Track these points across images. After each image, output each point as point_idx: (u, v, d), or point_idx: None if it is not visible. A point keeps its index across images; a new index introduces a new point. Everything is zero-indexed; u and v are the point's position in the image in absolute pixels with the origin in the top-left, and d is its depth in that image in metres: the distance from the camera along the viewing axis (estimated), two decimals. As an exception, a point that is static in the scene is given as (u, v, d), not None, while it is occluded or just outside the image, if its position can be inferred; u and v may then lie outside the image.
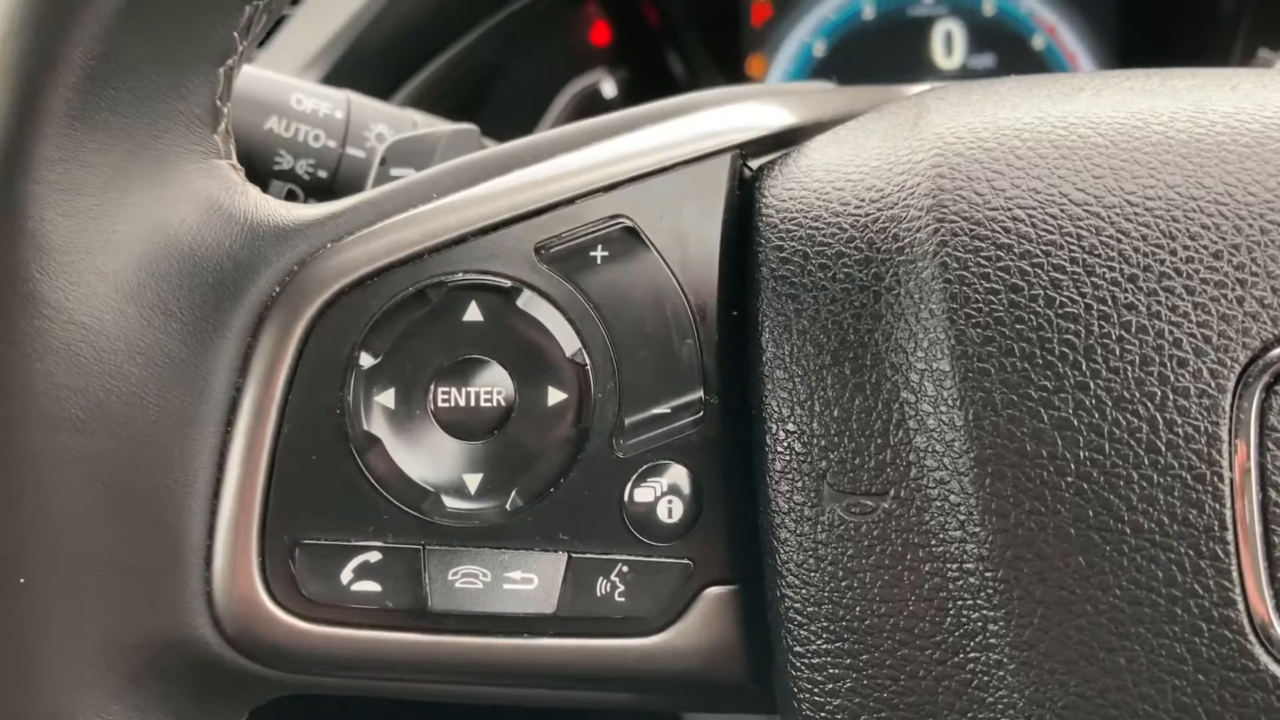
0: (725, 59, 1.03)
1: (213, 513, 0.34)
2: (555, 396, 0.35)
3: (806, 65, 1.04)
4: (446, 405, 0.35)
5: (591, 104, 1.02)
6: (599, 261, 0.35)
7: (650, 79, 1.03)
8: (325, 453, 0.34)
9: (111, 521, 0.33)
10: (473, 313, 0.35)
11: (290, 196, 0.50)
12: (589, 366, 0.35)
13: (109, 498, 0.33)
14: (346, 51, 0.78)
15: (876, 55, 1.04)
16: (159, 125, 0.34)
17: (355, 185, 0.50)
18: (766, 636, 0.35)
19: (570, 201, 0.36)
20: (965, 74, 1.03)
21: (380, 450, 0.34)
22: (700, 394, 0.35)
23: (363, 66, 0.78)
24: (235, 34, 0.35)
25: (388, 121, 0.52)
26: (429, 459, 0.35)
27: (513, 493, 0.35)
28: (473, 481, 0.35)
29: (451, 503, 0.35)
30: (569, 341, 0.35)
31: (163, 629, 0.34)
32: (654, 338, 0.35)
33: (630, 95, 1.03)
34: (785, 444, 0.34)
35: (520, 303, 0.35)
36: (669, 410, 0.35)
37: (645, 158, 0.36)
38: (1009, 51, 1.03)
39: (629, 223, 0.36)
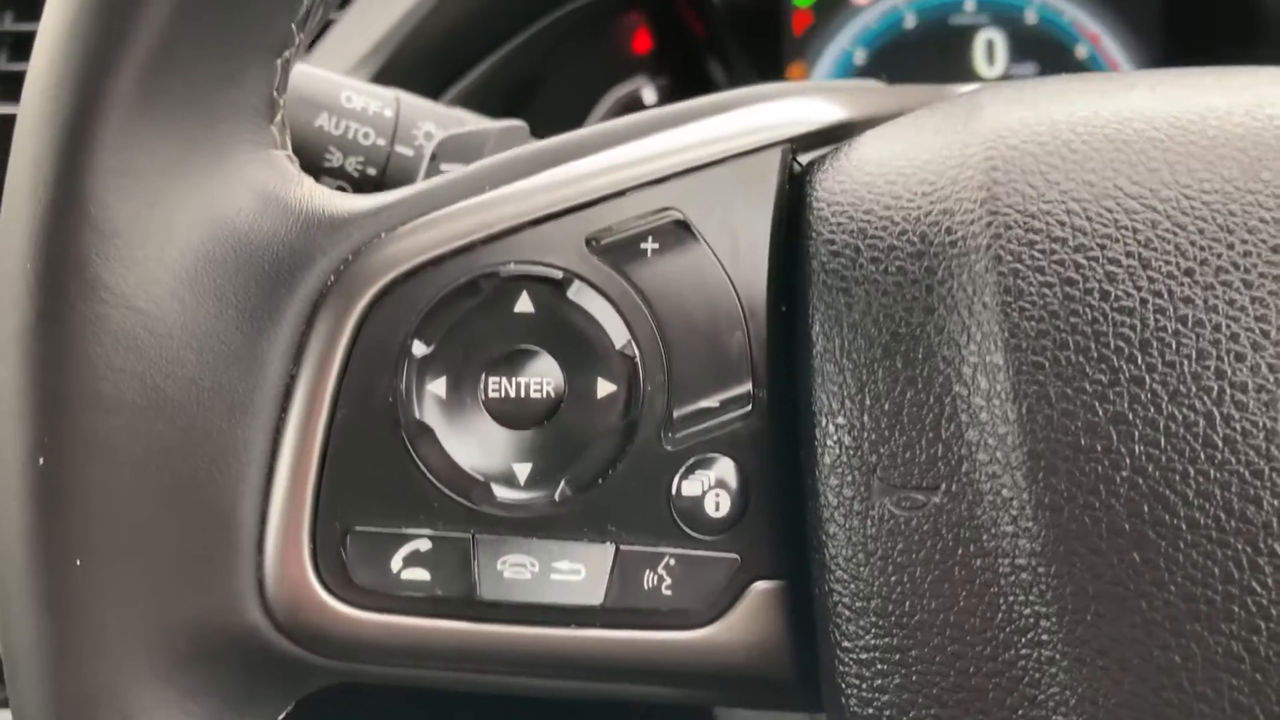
0: (766, 67, 1.03)
1: (265, 499, 0.34)
2: (605, 388, 0.35)
3: (847, 74, 1.04)
4: (497, 395, 0.35)
5: (632, 111, 1.02)
6: (649, 254, 0.36)
7: (691, 87, 1.03)
8: (377, 440, 0.34)
9: (165, 505, 0.33)
10: (524, 303, 0.35)
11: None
12: (638, 359, 0.35)
13: (164, 482, 0.33)
14: (392, 56, 0.78)
15: (918, 64, 1.04)
16: (217, 115, 0.34)
17: (404, 182, 0.50)
18: (813, 633, 0.35)
19: (621, 194, 0.36)
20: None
21: (431, 439, 0.35)
22: (749, 388, 0.35)
23: (408, 72, 0.79)
24: (293, 25, 0.35)
25: (436, 120, 0.52)
26: (479, 448, 0.35)
27: (561, 483, 0.35)
28: (522, 471, 0.35)
29: (501, 492, 0.35)
30: (619, 333, 0.35)
31: (213, 614, 0.34)
32: (703, 331, 0.35)
33: (670, 102, 1.03)
34: (835, 438, 0.34)
35: (571, 294, 0.35)
36: (717, 404, 0.35)
37: (696, 151, 0.36)
38: (1052, 60, 1.02)
39: (679, 215, 0.36)
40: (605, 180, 0.36)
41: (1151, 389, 0.31)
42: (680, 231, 0.36)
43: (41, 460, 0.32)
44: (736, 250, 0.36)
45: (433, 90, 0.84)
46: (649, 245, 0.36)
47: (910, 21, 1.04)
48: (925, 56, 1.04)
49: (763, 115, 0.38)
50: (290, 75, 0.37)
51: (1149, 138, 0.33)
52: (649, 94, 1.03)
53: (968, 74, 1.03)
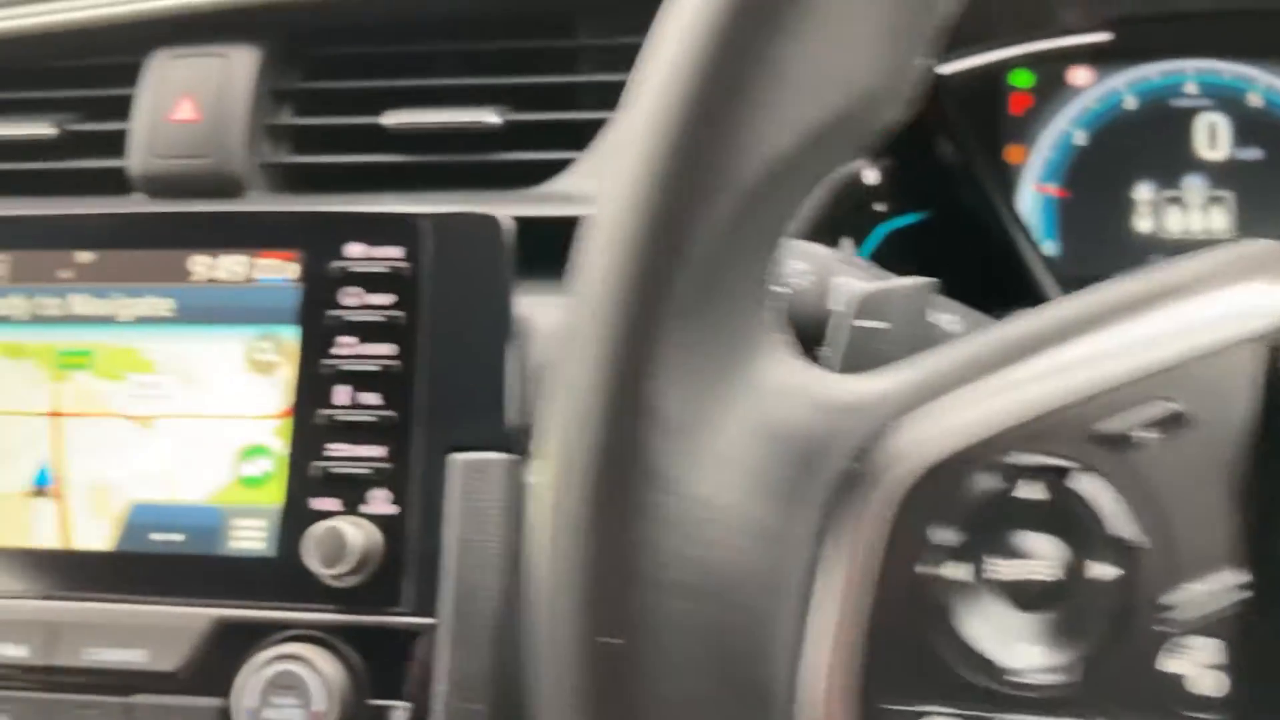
0: (985, 147, 1.05)
1: (794, 673, 0.36)
2: (1106, 571, 0.37)
3: (1067, 155, 1.05)
4: (1009, 578, 0.37)
5: (853, 191, 1.04)
6: (1147, 443, 0.37)
7: (913, 166, 1.04)
8: (904, 623, 0.37)
9: (713, 681, 0.36)
10: (1031, 490, 0.37)
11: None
12: (1136, 543, 0.37)
13: (712, 659, 0.35)
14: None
15: (1138, 145, 1.04)
16: (741, 309, 0.37)
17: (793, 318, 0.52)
18: None
19: (1120, 384, 0.38)
20: (1231, 166, 1.03)
21: (953, 621, 0.37)
22: (1244, 574, 0.37)
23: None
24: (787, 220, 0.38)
25: (802, 257, 0.55)
26: (993, 630, 0.37)
27: (1068, 663, 0.37)
28: (1032, 652, 0.37)
29: (1014, 673, 0.37)
30: (1118, 519, 0.37)
31: None
32: (1200, 518, 0.37)
33: (893, 182, 1.05)
34: None
35: (1072, 481, 0.37)
36: (1212, 587, 0.37)
37: (1186, 340, 0.38)
38: (1277, 144, 1.02)
39: (1177, 407, 0.37)
40: (1102, 372, 0.38)
41: None
42: (1176, 421, 0.37)
43: (601, 638, 0.35)
44: (1229, 439, 0.37)
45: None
46: (1147, 434, 0.37)
47: (1131, 103, 1.04)
48: (1146, 138, 1.04)
49: (1241, 302, 0.39)
50: None
51: None
52: (870, 175, 1.04)
53: (1189, 157, 1.04)
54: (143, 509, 0.75)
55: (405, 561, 0.72)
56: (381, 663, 0.71)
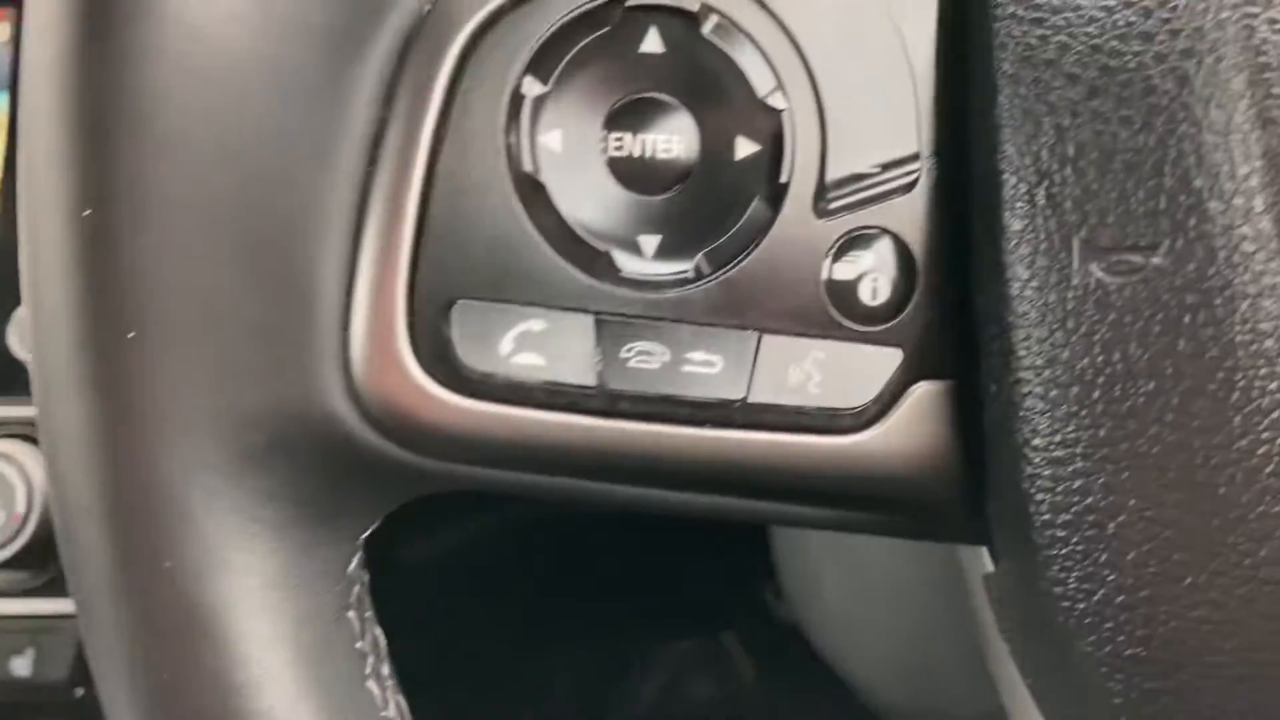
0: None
1: (351, 265, 0.29)
2: (745, 147, 0.30)
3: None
4: (620, 152, 0.30)
5: None
6: None
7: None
8: (483, 197, 0.29)
9: (232, 269, 0.28)
10: (652, 42, 0.30)
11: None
12: (785, 111, 0.30)
13: (230, 240, 0.28)
14: None
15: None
16: None
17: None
18: (982, 445, 0.30)
19: None
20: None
21: (545, 198, 0.29)
22: (915, 149, 0.30)
23: None
24: None
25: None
26: (601, 212, 0.30)
27: (696, 258, 0.30)
28: (649, 243, 0.30)
29: (626, 265, 0.29)
30: (763, 80, 0.30)
31: (290, 400, 0.28)
32: (862, 81, 0.30)
33: None
34: (1026, 197, 0.28)
35: (707, 31, 0.30)
36: (877, 168, 0.30)
37: None
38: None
39: None
40: None
41: None
42: None
43: (88, 211, 0.27)
44: None
45: None
46: None
47: None
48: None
49: None
50: None
51: None
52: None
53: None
54: None
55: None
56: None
